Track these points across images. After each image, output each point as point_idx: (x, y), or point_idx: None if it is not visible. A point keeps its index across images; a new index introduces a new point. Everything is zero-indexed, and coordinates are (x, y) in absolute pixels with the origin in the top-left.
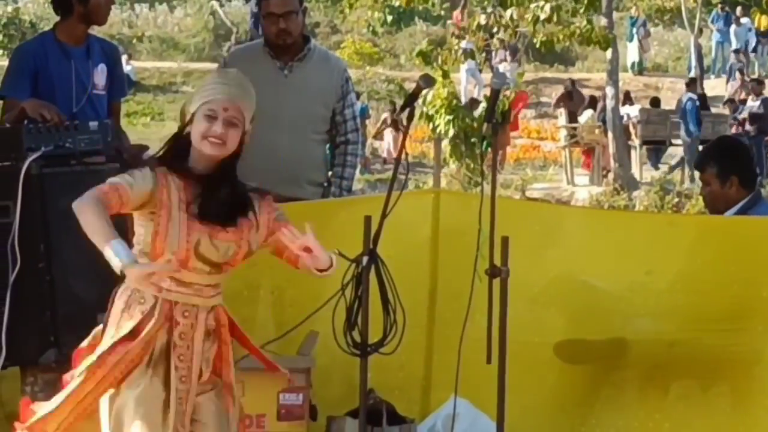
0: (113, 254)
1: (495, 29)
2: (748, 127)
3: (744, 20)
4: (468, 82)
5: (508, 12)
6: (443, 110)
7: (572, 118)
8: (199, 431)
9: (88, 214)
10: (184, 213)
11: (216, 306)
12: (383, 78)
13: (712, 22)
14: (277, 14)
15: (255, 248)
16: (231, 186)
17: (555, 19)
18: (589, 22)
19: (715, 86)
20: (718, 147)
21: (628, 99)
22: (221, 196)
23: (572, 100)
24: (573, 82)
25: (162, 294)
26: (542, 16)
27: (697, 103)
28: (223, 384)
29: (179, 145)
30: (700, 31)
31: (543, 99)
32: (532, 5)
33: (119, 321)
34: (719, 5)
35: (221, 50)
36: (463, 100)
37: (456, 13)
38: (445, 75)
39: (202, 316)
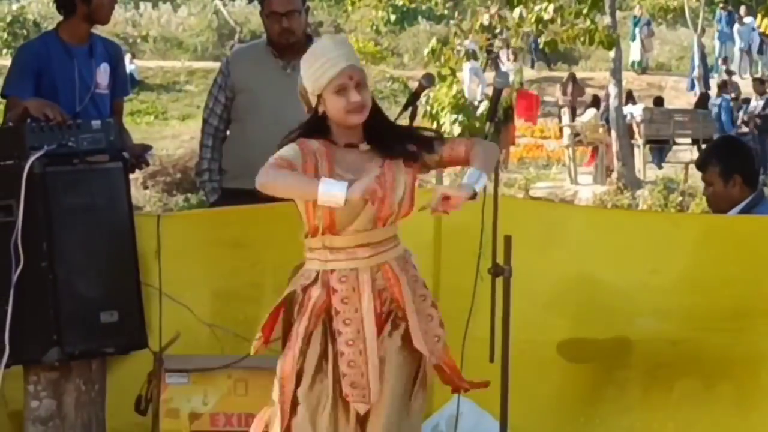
0: (327, 191)
1: (498, 30)
2: (751, 126)
3: (747, 20)
4: (471, 82)
5: (516, 11)
6: (449, 109)
7: (572, 113)
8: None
9: (280, 180)
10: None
11: (383, 263)
12: (387, 77)
13: (718, 21)
14: (280, 13)
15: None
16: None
17: (559, 20)
18: (593, 22)
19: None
20: (720, 147)
21: (630, 98)
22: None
23: (574, 89)
24: (574, 76)
25: (322, 266)
26: (545, 17)
27: (731, 103)
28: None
29: (316, 126)
30: (703, 30)
31: (546, 98)
32: (536, 7)
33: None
34: (721, 4)
35: (225, 49)
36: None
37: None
38: (453, 73)
39: (364, 278)
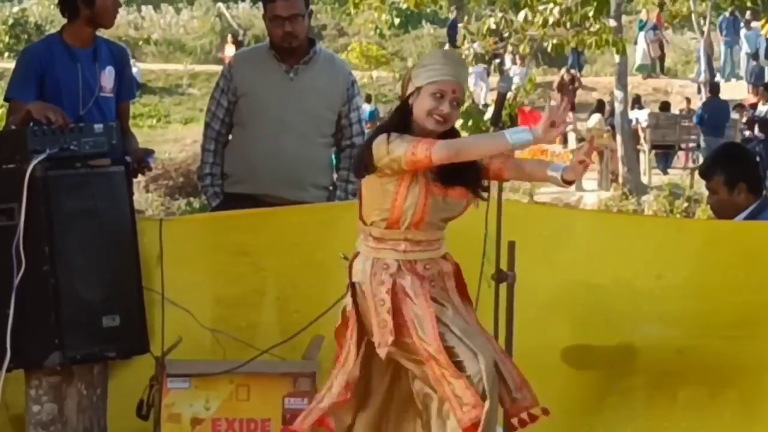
0: (515, 139)
1: (506, 33)
2: (757, 132)
3: (755, 24)
4: (476, 86)
5: (521, 14)
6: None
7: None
8: None
9: (462, 144)
10: (423, 177)
11: (445, 254)
12: (392, 80)
13: (721, 27)
14: (283, 17)
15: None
16: None
17: (568, 24)
18: (603, 25)
19: (724, 90)
20: (723, 154)
21: (637, 102)
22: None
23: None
24: (572, 77)
25: (402, 256)
26: (551, 20)
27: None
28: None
29: (403, 116)
30: (710, 35)
31: (552, 102)
32: (541, 7)
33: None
34: (729, 10)
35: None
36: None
37: None
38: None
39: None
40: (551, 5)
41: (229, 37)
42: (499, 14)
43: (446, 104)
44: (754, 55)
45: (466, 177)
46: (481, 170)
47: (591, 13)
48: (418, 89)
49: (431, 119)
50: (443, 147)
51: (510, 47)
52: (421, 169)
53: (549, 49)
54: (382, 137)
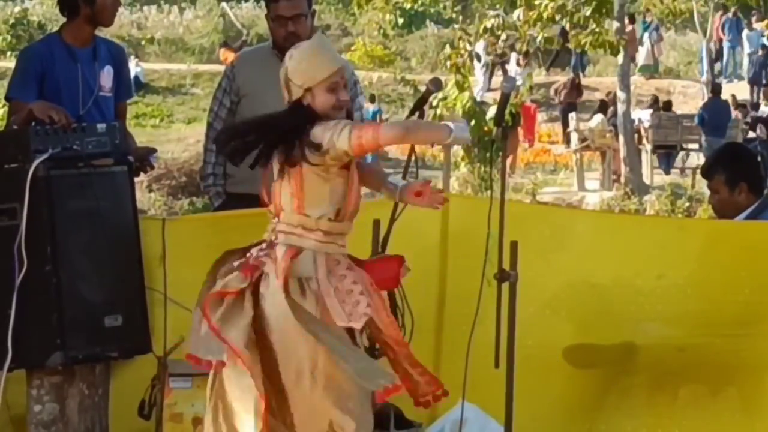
0: (457, 134)
1: (502, 34)
2: (759, 132)
3: (757, 25)
4: (475, 85)
5: (516, 12)
6: (459, 114)
7: (571, 107)
8: None
9: (410, 127)
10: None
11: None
12: (398, 79)
13: (723, 27)
14: (286, 17)
15: None
16: None
17: (563, 21)
18: (600, 25)
19: (726, 91)
20: (725, 154)
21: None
22: None
23: (572, 90)
24: (575, 78)
25: (342, 250)
26: (545, 15)
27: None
28: None
29: (306, 115)
30: (712, 35)
31: (554, 103)
32: (537, 2)
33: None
34: (732, 10)
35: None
36: None
37: None
38: (465, 78)
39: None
40: (546, 1)
41: (222, 51)
42: (495, 14)
43: (343, 92)
44: (756, 54)
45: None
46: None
47: (588, 12)
48: (310, 90)
49: (337, 111)
50: (390, 129)
51: (507, 46)
52: (365, 154)
53: (540, 44)
54: (317, 128)
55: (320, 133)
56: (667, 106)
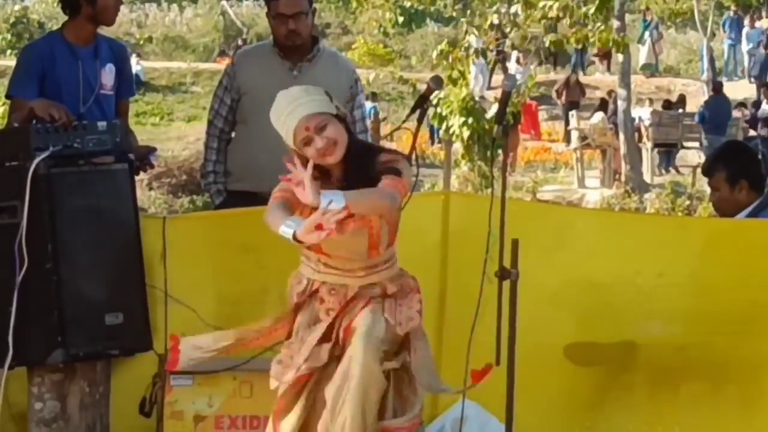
0: (283, 230)
1: (508, 29)
2: (760, 130)
3: (758, 23)
4: (475, 79)
5: (514, 7)
6: (458, 112)
7: (573, 106)
8: None
9: (268, 215)
10: None
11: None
12: (397, 78)
13: (724, 26)
14: (287, 15)
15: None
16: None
17: (568, 21)
18: (603, 23)
19: (727, 89)
20: (725, 152)
21: (681, 102)
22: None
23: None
24: (577, 78)
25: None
26: (551, 15)
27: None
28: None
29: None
30: (713, 34)
31: (554, 101)
32: (541, 3)
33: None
34: (732, 8)
35: (230, 51)
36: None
37: None
38: (463, 76)
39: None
40: (551, 2)
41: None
42: (503, 9)
43: (317, 140)
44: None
45: None
46: None
47: (591, 11)
48: (298, 150)
49: (324, 158)
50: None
51: (509, 44)
52: None
53: (548, 45)
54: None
55: None
56: (681, 100)
